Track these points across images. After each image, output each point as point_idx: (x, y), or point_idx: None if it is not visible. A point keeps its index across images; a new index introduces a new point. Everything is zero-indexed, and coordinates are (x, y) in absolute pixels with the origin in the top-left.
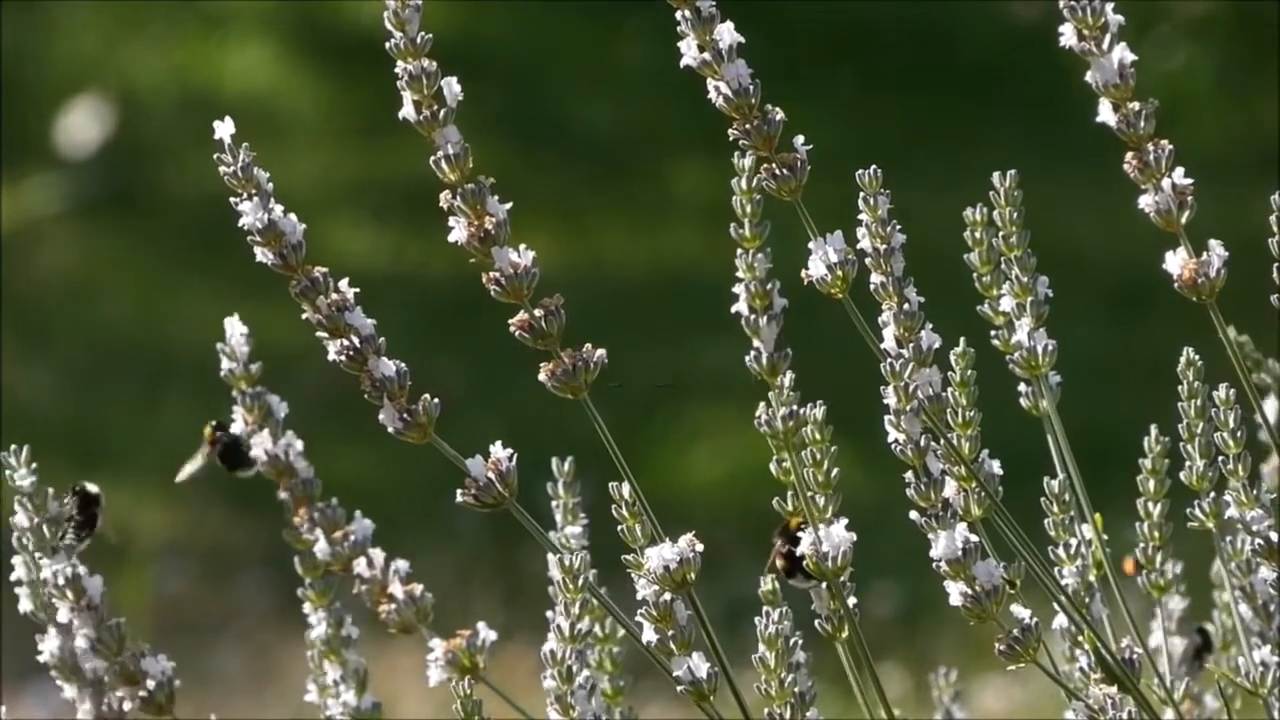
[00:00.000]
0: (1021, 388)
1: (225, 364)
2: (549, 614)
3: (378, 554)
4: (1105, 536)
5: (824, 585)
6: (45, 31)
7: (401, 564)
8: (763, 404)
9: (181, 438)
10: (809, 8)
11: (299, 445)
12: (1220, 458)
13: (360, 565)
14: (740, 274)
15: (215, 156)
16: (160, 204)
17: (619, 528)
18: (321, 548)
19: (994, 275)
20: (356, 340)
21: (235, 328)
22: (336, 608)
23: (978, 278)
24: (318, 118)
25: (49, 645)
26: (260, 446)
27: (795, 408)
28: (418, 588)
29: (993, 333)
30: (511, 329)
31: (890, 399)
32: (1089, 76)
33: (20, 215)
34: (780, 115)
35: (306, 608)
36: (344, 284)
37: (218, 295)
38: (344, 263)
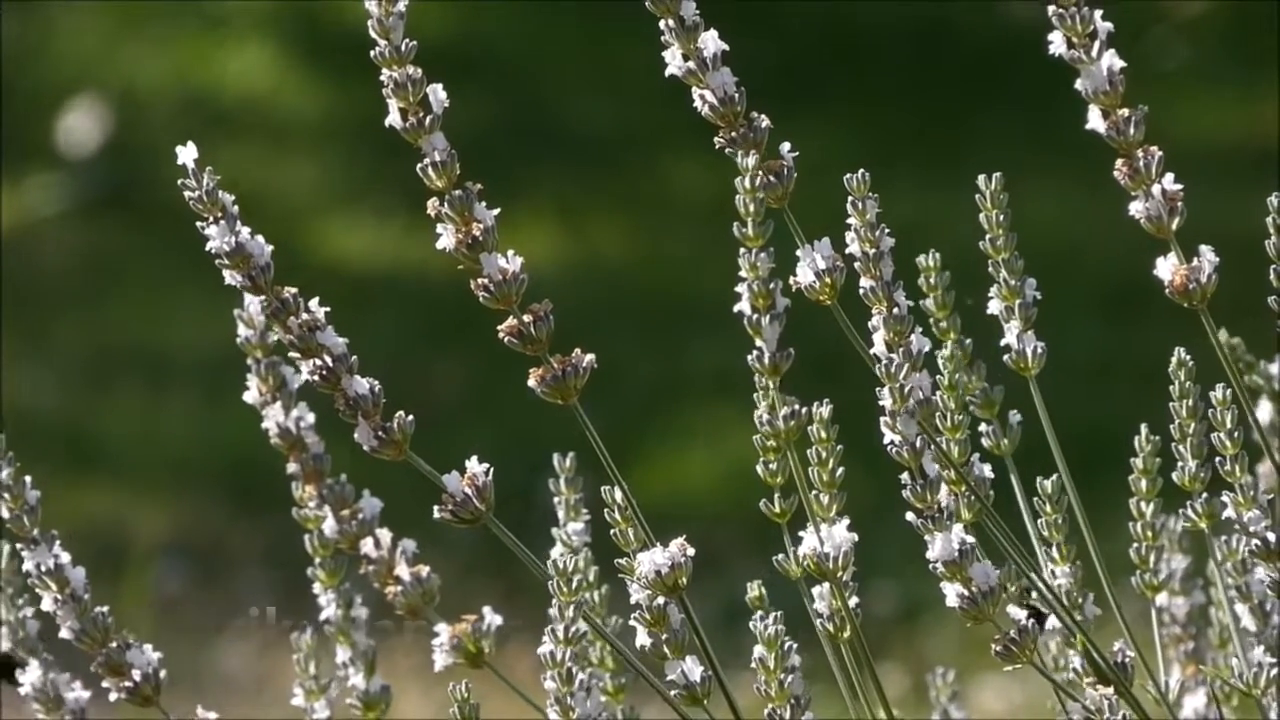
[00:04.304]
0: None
1: (242, 330)
2: (551, 612)
3: (385, 534)
4: (1095, 538)
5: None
6: (45, 31)
7: (409, 544)
8: (764, 404)
9: (181, 437)
10: (806, 9)
11: (310, 418)
12: (1217, 458)
13: (367, 545)
14: (743, 273)
15: (179, 181)
16: (160, 204)
17: (611, 532)
18: (329, 525)
19: (952, 320)
20: (329, 360)
21: (257, 299)
22: (346, 588)
23: (935, 324)
24: (318, 118)
25: (29, 677)
26: (272, 418)
27: (797, 407)
28: (424, 569)
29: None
30: (500, 335)
31: (885, 400)
32: (1079, 84)
33: (20, 215)
34: (766, 123)
35: (316, 588)
36: (314, 303)
37: (217, 295)
38: (344, 264)
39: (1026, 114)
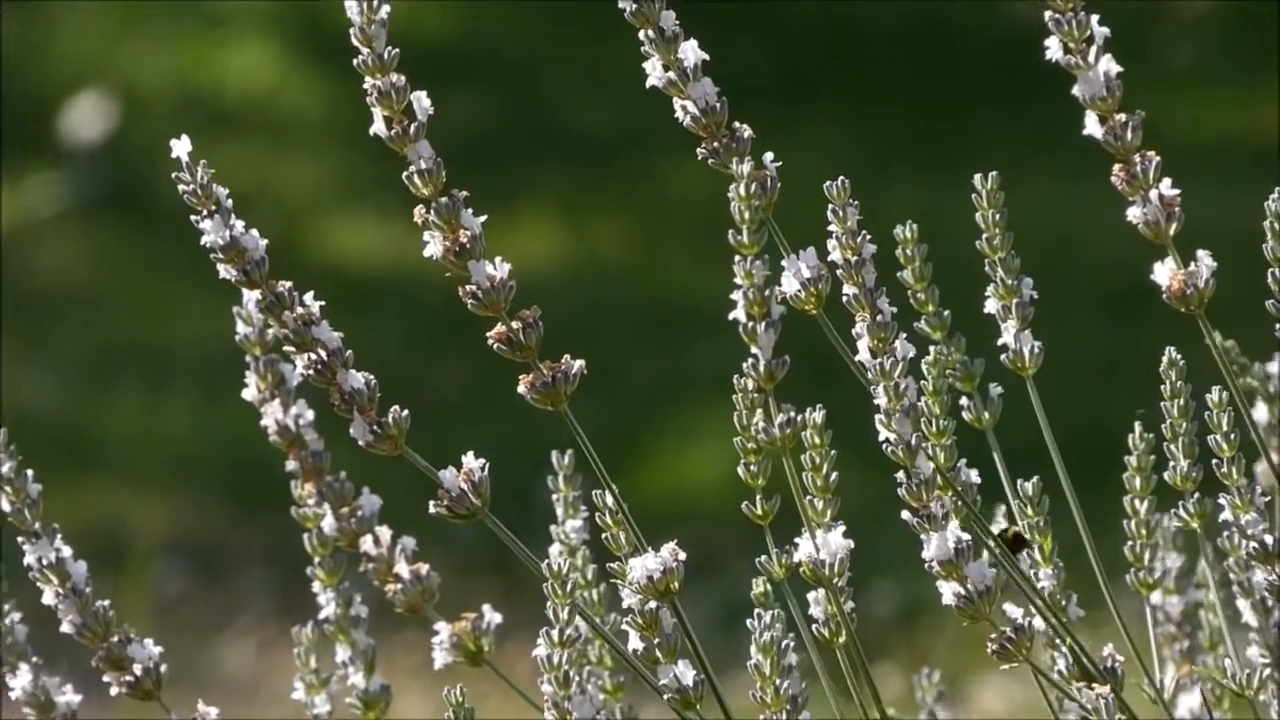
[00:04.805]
0: (964, 401)
1: (241, 328)
2: (548, 612)
3: (384, 531)
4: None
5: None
6: (46, 31)
7: (409, 542)
8: (758, 411)
9: (181, 436)
10: (806, 9)
11: (309, 415)
12: (1214, 460)
13: (367, 542)
14: (738, 280)
15: (173, 175)
16: (161, 203)
17: (603, 535)
18: (329, 523)
19: (930, 292)
20: (324, 354)
21: (253, 294)
22: (345, 587)
23: (912, 295)
24: (319, 117)
25: (20, 682)
26: (271, 416)
27: (792, 414)
28: (424, 567)
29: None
30: (490, 341)
31: (880, 399)
32: (1076, 90)
33: (21, 214)
34: (749, 133)
35: (316, 586)
36: (309, 297)
37: (217, 294)
38: (345, 263)
39: (1027, 114)
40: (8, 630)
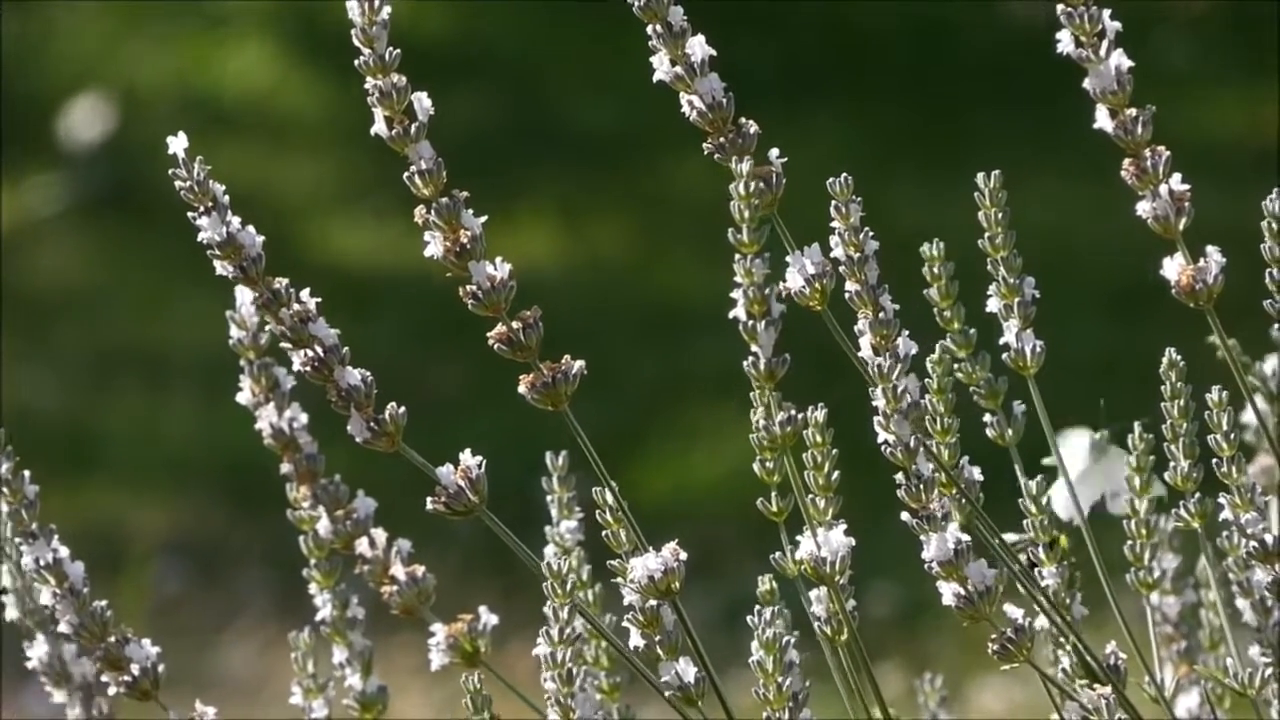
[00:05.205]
0: (987, 417)
1: (234, 332)
2: (546, 611)
3: (380, 533)
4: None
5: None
6: (45, 31)
7: (404, 544)
8: (760, 410)
9: (181, 437)
10: (807, 8)
11: (303, 418)
12: (1214, 460)
13: (362, 545)
14: (738, 279)
15: (170, 171)
16: (161, 203)
17: (603, 533)
18: (324, 525)
19: (956, 310)
20: (320, 350)
21: (245, 295)
22: (342, 589)
23: (939, 313)
24: (319, 117)
25: (37, 651)
26: (265, 419)
27: (794, 412)
28: (419, 569)
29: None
30: (490, 342)
31: (879, 401)
32: (1087, 83)
33: (21, 214)
34: (755, 128)
35: (313, 588)
36: (305, 294)
37: (217, 295)
38: (344, 263)
39: (1027, 114)
40: (25, 591)
